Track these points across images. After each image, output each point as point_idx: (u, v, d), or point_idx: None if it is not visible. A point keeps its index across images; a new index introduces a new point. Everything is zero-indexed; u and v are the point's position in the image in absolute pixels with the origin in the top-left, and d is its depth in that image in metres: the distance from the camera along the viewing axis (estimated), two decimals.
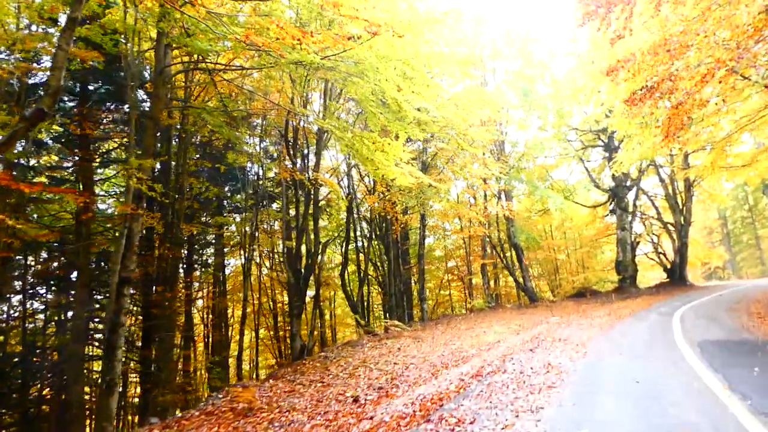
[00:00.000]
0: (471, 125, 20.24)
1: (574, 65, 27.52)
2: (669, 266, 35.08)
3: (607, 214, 35.00)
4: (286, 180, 17.84)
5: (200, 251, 27.69)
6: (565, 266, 42.68)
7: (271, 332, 32.87)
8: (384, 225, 24.07)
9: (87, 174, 17.45)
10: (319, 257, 18.66)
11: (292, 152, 16.27)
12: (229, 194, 25.69)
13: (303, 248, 18.87)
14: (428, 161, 23.50)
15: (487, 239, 30.04)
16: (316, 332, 31.84)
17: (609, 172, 33.54)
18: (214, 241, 25.81)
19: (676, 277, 33.78)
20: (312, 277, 19.38)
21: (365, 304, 27.60)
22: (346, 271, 21.81)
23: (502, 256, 29.48)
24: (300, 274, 16.21)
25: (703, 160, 31.47)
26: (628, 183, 32.10)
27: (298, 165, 16.97)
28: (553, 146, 31.39)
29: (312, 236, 17.48)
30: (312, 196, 15.87)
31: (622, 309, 20.12)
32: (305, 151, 18.83)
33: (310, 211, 18.09)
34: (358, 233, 27.51)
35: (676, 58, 11.93)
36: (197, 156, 23.83)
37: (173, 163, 17.24)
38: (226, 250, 28.42)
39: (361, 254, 32.69)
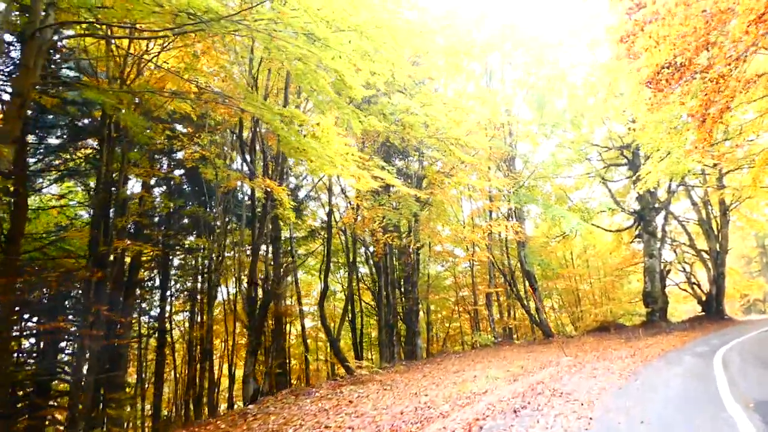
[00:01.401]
0: (469, 132, 17.49)
1: (594, 78, 24.79)
2: (704, 298, 31.52)
3: (633, 240, 31.60)
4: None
5: (179, 277, 25.20)
6: (588, 297, 39.03)
7: (260, 366, 30.15)
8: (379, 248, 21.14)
9: (19, 182, 15.03)
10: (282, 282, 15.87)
11: (248, 156, 13.66)
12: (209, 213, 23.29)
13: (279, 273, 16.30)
14: (423, 174, 20.60)
15: (494, 265, 26.87)
16: (296, 365, 28.86)
17: (634, 194, 30.48)
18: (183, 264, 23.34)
19: (712, 310, 30.30)
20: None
21: (358, 338, 24.61)
22: (325, 301, 18.96)
23: (512, 284, 26.25)
24: (254, 302, 13.46)
25: (742, 178, 28.26)
26: (656, 205, 28.78)
27: (259, 171, 14.36)
28: (572, 163, 28.49)
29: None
30: (267, 208, 13.15)
31: (650, 348, 16.90)
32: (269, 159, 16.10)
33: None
34: (357, 258, 24.76)
35: (714, 28, 9.16)
36: (176, 169, 21.50)
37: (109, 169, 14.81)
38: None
39: (361, 282, 29.79)
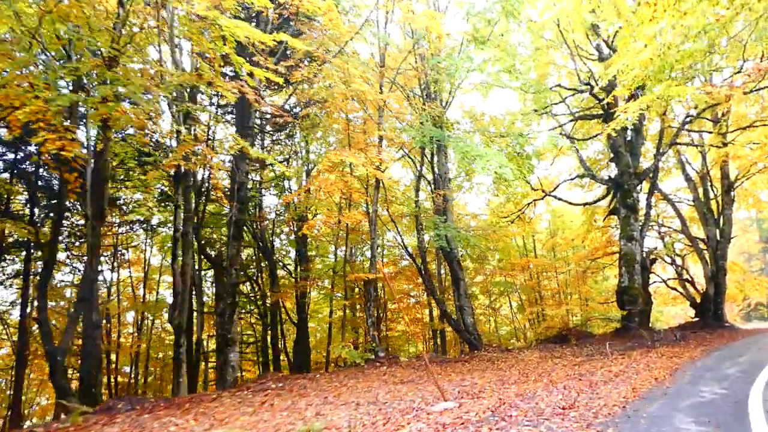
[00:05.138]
0: None
1: None
2: (698, 299, 24.10)
3: (607, 219, 23.88)
4: None
5: None
6: (554, 296, 31.22)
7: None
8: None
9: None
10: None
11: None
12: None
13: None
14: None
15: (405, 247, 18.95)
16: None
17: (609, 168, 22.79)
18: None
19: (709, 314, 22.81)
20: None
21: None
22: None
23: (423, 272, 18.10)
24: None
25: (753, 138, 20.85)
26: (638, 171, 20.93)
27: None
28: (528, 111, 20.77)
29: None
30: None
31: (614, 382, 9.16)
32: None
33: None
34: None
35: None
36: None
37: None
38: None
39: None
